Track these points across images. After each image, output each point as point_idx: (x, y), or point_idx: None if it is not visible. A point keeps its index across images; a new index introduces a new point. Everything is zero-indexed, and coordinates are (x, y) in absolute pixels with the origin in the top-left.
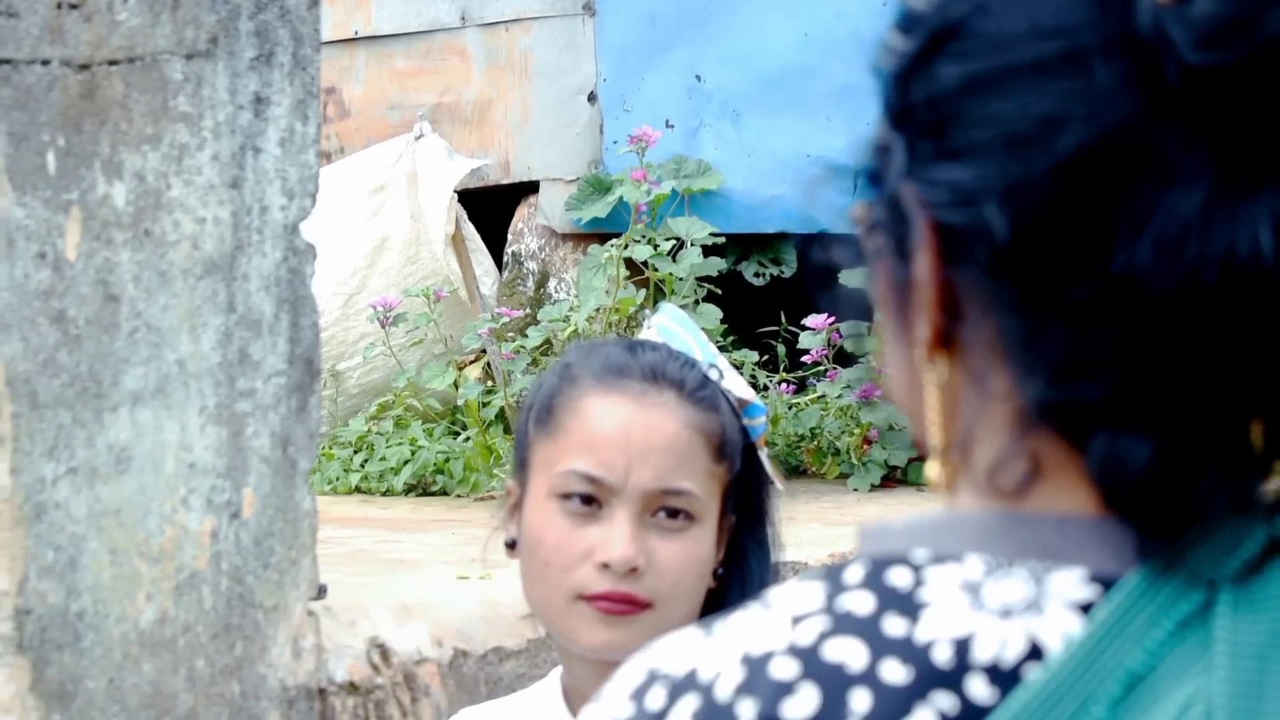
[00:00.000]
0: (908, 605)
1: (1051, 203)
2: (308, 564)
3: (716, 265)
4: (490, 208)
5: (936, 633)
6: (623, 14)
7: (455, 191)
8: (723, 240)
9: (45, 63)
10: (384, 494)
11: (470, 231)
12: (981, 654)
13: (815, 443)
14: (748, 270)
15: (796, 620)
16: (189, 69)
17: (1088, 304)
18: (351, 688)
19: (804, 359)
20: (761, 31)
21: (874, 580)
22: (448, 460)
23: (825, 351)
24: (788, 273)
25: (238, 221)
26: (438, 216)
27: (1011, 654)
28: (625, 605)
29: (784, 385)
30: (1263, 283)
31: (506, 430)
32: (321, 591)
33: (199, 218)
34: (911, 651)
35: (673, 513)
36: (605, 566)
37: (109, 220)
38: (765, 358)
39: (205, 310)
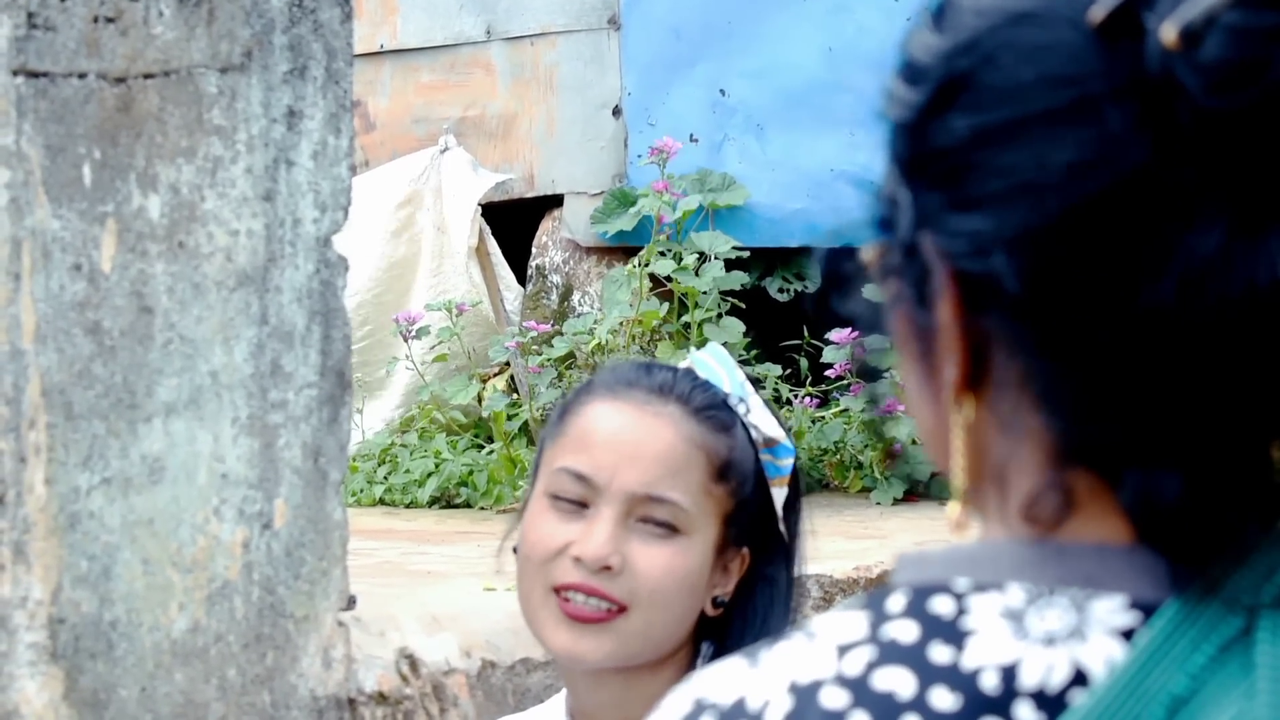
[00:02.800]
0: (952, 633)
1: (1070, 248)
2: (338, 575)
3: (739, 279)
4: (514, 221)
5: (983, 660)
6: (648, 28)
7: (479, 205)
8: (746, 255)
9: (82, 76)
10: (408, 506)
11: (493, 245)
12: (1028, 680)
13: (838, 456)
14: (771, 286)
15: (843, 650)
16: (223, 82)
17: (1111, 345)
18: (381, 698)
19: (827, 373)
20: (785, 46)
21: (917, 609)
22: (472, 473)
23: (848, 366)
24: (811, 288)
25: (270, 234)
26: (461, 230)
27: (1057, 680)
28: (591, 612)
29: (807, 399)
30: None
31: (530, 443)
32: (351, 602)
33: (232, 230)
34: (959, 679)
35: (658, 522)
36: (579, 560)
37: (144, 232)
38: (788, 372)
39: (238, 322)
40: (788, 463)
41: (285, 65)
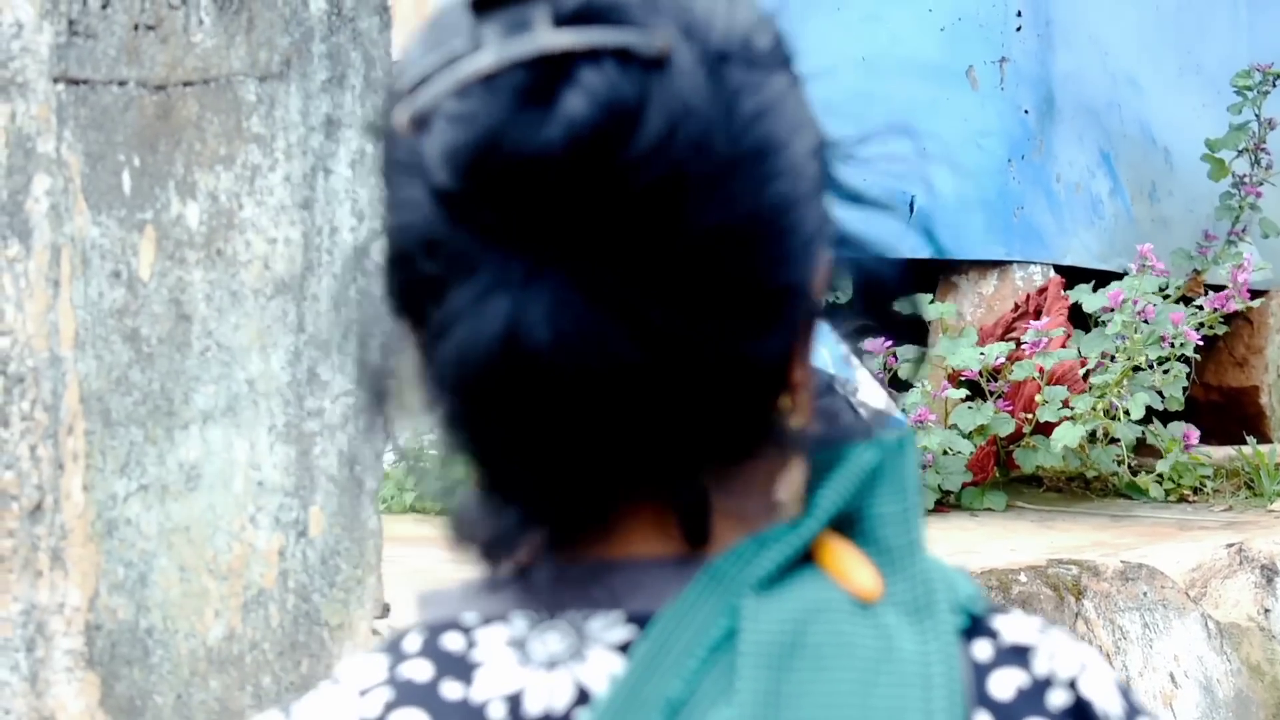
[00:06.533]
0: (462, 668)
1: (394, 296)
2: (373, 583)
3: None
4: None
5: (490, 692)
6: None
7: None
8: None
9: (122, 83)
10: (440, 513)
11: None
12: (533, 707)
13: None
14: None
15: (363, 693)
16: (262, 90)
17: (427, 372)
18: None
19: None
20: (819, 56)
21: (430, 647)
22: None
23: (880, 375)
24: (844, 298)
25: (308, 242)
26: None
27: (561, 702)
28: None
29: None
30: (529, 363)
31: None
32: (386, 610)
33: (270, 238)
34: (469, 713)
35: None
36: None
37: (182, 240)
38: None
39: (275, 330)
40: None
41: (324, 73)
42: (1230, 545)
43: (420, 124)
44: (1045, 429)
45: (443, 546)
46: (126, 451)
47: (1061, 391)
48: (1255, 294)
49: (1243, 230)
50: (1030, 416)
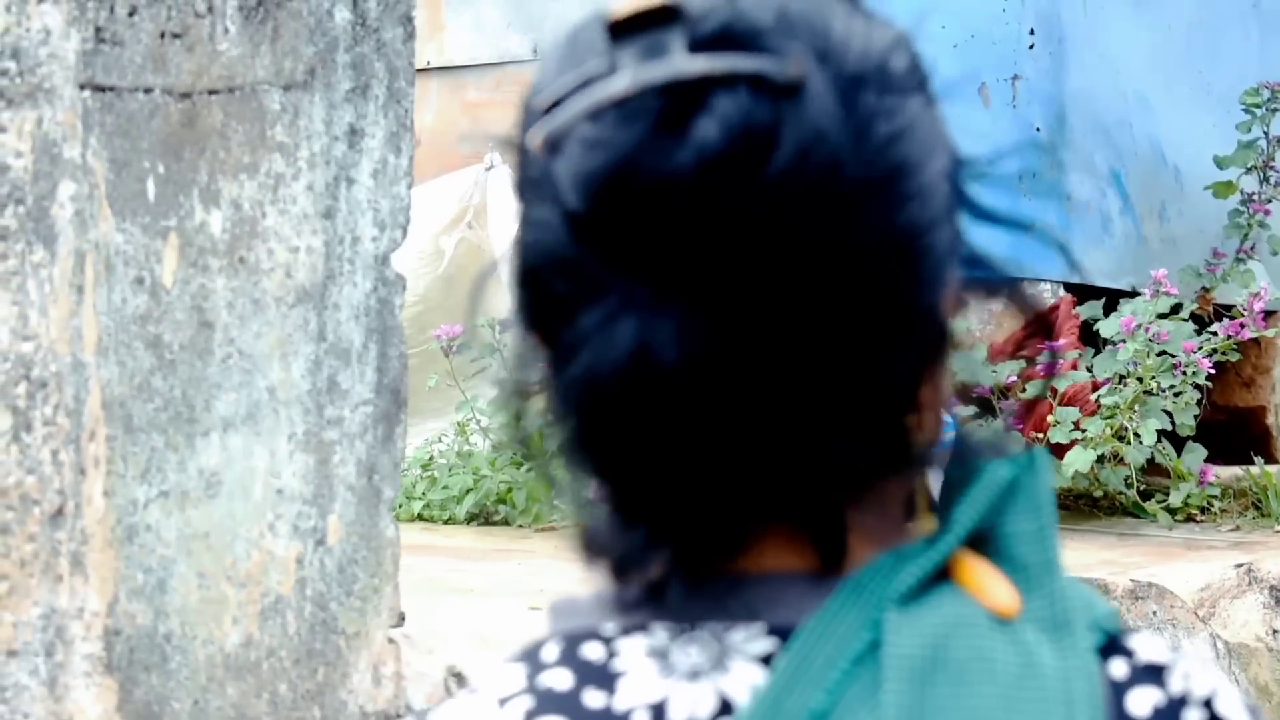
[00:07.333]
0: (603, 677)
1: (524, 312)
2: (389, 592)
3: None
4: None
5: (633, 701)
6: None
7: None
8: None
9: (148, 91)
10: (446, 522)
11: None
12: (676, 716)
13: None
14: None
15: (503, 702)
16: (287, 99)
17: (554, 390)
18: None
19: None
20: None
21: (569, 656)
22: (510, 490)
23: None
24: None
25: (330, 251)
26: (506, 248)
27: (704, 712)
28: None
29: None
30: (657, 386)
31: None
32: (401, 619)
33: (292, 247)
34: None
35: None
36: None
37: (205, 247)
38: None
39: (296, 338)
40: (945, 437)
41: (348, 83)
42: (1239, 565)
43: (554, 147)
44: (1055, 449)
45: (451, 555)
46: (147, 458)
47: (1073, 413)
48: (1265, 314)
49: (1251, 248)
50: (1041, 436)
